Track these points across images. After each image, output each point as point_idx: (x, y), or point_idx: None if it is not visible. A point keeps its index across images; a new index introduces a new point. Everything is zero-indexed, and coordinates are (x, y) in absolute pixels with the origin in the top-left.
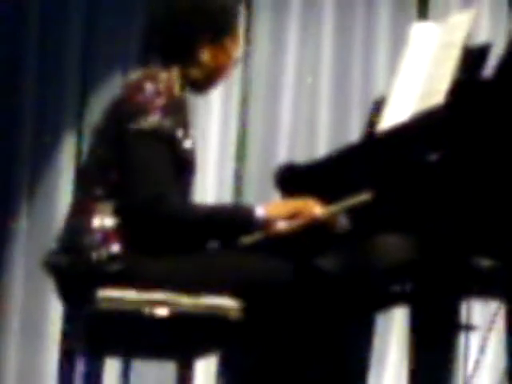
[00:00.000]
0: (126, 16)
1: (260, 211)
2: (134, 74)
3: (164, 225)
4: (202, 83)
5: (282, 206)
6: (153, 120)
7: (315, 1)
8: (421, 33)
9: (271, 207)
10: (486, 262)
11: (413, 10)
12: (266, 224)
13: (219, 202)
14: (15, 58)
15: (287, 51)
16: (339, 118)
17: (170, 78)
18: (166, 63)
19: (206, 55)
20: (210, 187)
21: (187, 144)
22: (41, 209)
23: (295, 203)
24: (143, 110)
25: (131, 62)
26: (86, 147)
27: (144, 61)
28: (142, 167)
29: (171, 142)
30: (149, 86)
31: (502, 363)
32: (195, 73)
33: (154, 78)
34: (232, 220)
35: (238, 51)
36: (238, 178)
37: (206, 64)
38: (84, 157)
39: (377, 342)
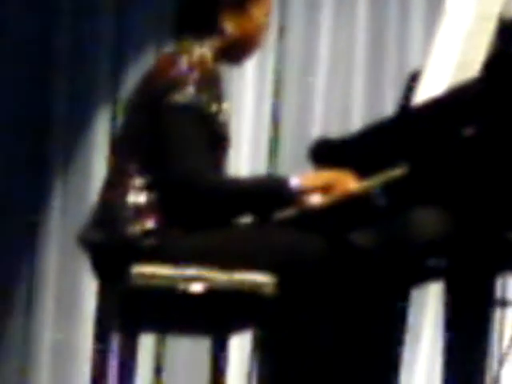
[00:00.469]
0: None
1: (294, 181)
2: (168, 48)
3: (200, 199)
4: (233, 54)
5: (316, 177)
6: (187, 94)
7: None
8: (456, 5)
9: (306, 178)
10: None
11: None
12: (300, 194)
13: (253, 175)
14: (48, 36)
15: (322, 27)
16: (374, 92)
17: (202, 51)
18: (198, 36)
19: (229, 24)
20: (244, 162)
21: (221, 118)
22: (75, 185)
23: (330, 175)
24: (178, 84)
25: (165, 36)
26: (119, 122)
27: (177, 35)
28: (177, 141)
29: (206, 116)
30: (182, 60)
31: None
32: (223, 44)
33: (187, 52)
34: (267, 190)
35: (267, 16)
36: (273, 153)
37: (231, 33)
38: (118, 132)
39: (411, 318)
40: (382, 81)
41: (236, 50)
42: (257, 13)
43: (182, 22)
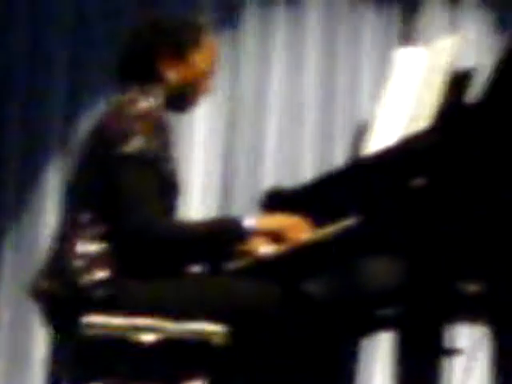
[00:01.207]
0: (112, 40)
1: (248, 222)
2: (114, 100)
3: (155, 248)
4: (178, 101)
5: (271, 221)
6: (135, 144)
7: (300, 25)
8: (405, 57)
9: (260, 220)
10: (471, 287)
11: (397, 34)
12: (253, 235)
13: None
14: (2, 83)
15: (272, 75)
16: (324, 143)
17: (148, 100)
18: (142, 86)
19: (170, 73)
20: (195, 216)
21: (171, 165)
22: (26, 234)
23: (284, 221)
24: (125, 135)
25: (119, 88)
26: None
27: (122, 86)
28: (128, 192)
29: (155, 165)
30: (128, 111)
31: None
32: (167, 92)
33: (132, 103)
34: (221, 230)
35: (210, 63)
36: (224, 206)
37: (173, 82)
38: (69, 182)
39: (362, 366)
40: (332, 131)
41: (180, 98)
42: (197, 60)
43: (125, 72)
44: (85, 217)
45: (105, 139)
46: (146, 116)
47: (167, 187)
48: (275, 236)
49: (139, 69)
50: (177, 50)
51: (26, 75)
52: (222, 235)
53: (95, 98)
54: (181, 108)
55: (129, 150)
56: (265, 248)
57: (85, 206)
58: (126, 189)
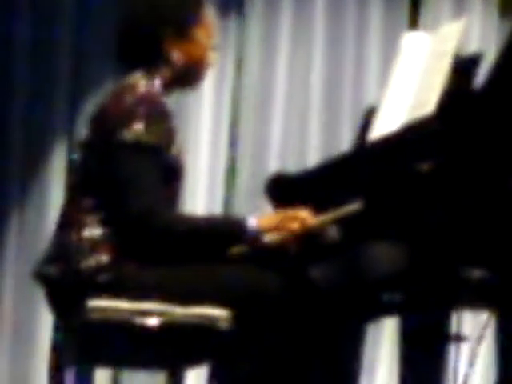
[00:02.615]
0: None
1: (252, 222)
2: (117, 85)
3: (156, 237)
4: (185, 80)
5: (273, 218)
6: (135, 130)
7: (306, 12)
8: (412, 42)
9: (263, 218)
10: (476, 273)
11: (404, 19)
12: (257, 235)
13: (210, 214)
14: (3, 71)
15: (278, 62)
16: (330, 128)
17: (149, 84)
18: (146, 69)
19: (175, 53)
20: (200, 199)
21: (173, 150)
22: (31, 220)
23: (287, 214)
24: (125, 121)
25: (122, 72)
26: (75, 158)
27: (127, 69)
28: (129, 180)
29: (156, 151)
30: (128, 96)
31: (491, 374)
32: (173, 72)
33: (133, 87)
34: (224, 231)
35: (211, 38)
36: (229, 190)
37: (179, 61)
38: (73, 168)
39: (367, 352)
40: (338, 117)
41: (187, 76)
42: (200, 36)
43: (129, 57)
44: (88, 202)
45: (105, 125)
46: (145, 102)
47: (169, 173)
48: (280, 229)
49: (144, 53)
50: (179, 30)
51: (29, 63)
52: (224, 235)
53: (99, 85)
54: (188, 84)
55: (128, 137)
56: (269, 236)
57: (87, 192)
58: (125, 176)
